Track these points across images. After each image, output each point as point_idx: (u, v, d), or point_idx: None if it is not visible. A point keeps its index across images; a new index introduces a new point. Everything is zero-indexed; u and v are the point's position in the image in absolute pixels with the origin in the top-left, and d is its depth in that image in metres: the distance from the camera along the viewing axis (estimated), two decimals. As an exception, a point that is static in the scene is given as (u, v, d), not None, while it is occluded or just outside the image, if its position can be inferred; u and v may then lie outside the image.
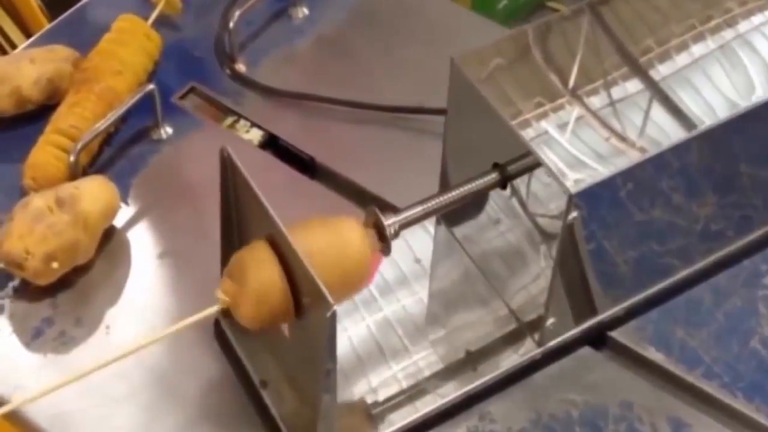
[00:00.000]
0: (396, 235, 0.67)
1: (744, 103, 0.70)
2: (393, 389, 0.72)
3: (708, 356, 0.74)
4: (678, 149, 0.68)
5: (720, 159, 0.73)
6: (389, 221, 0.67)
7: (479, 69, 0.70)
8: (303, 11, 0.99)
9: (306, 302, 0.61)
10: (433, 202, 0.69)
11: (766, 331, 0.75)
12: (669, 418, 0.71)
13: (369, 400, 0.71)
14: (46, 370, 0.73)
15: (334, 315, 0.57)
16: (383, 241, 0.67)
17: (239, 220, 0.69)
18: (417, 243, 0.80)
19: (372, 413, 0.70)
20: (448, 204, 0.69)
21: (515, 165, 0.68)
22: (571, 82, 0.70)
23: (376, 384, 0.72)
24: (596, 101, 0.69)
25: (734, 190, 0.76)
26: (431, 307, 0.77)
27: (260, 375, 0.71)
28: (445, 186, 0.77)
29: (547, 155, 0.65)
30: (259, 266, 0.62)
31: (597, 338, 0.75)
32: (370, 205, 0.68)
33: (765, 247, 0.79)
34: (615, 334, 0.75)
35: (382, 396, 0.71)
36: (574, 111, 0.69)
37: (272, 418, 0.69)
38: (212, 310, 0.63)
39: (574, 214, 0.65)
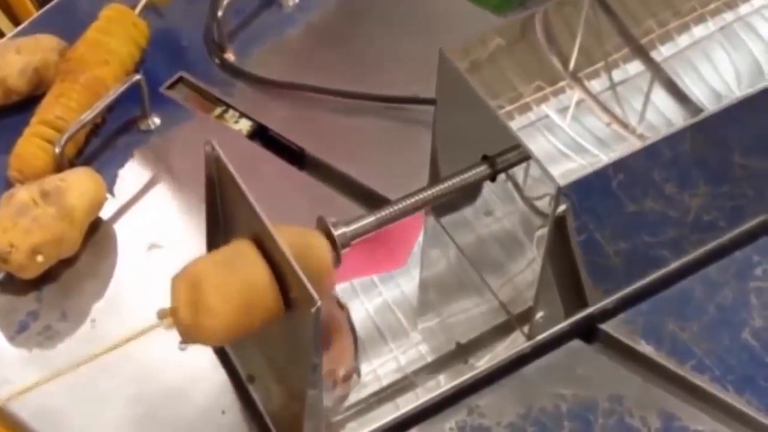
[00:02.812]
0: (347, 245, 0.65)
1: (747, 87, 0.69)
2: (394, 372, 0.72)
3: (699, 349, 0.73)
4: (671, 139, 0.67)
5: (713, 149, 0.72)
6: (339, 232, 0.65)
7: (469, 59, 0.69)
8: (293, 0, 0.98)
9: (292, 297, 0.61)
10: (398, 207, 0.67)
11: (758, 323, 0.74)
12: (659, 412, 0.71)
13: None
14: (31, 365, 0.72)
15: (318, 311, 0.56)
16: (334, 250, 0.65)
17: (225, 216, 0.68)
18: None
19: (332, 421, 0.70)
20: (437, 197, 0.68)
21: (504, 157, 0.68)
22: (572, 65, 0.69)
23: (376, 365, 0.72)
24: (597, 84, 0.69)
25: (726, 180, 0.75)
26: (422, 295, 0.77)
27: (247, 369, 0.71)
28: (435, 178, 0.76)
29: (549, 140, 0.65)
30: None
31: (587, 331, 0.75)
32: (364, 198, 0.67)
33: (756, 239, 0.79)
34: (605, 326, 0.75)
35: (383, 383, 0.71)
36: (575, 95, 0.68)
37: (259, 413, 0.69)
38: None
39: (563, 206, 0.64)
